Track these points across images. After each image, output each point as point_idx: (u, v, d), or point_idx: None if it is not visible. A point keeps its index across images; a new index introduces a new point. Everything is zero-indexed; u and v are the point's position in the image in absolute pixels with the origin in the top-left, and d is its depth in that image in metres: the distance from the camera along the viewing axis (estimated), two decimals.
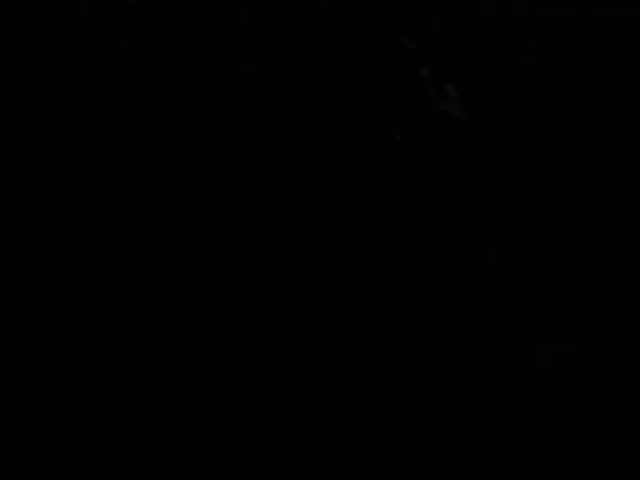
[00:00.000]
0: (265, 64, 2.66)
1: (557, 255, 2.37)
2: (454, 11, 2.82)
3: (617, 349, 2.21)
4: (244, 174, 2.54)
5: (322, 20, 2.73)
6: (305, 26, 2.71)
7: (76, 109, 2.57)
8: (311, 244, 2.43)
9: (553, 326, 2.24)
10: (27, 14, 2.64)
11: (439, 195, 2.51)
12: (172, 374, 2.26)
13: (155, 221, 2.45)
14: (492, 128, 2.62)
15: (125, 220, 2.44)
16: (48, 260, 2.38)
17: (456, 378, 2.22)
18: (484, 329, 2.26)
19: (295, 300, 2.36)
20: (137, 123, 2.57)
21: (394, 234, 2.45)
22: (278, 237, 2.44)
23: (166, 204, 2.48)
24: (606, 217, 2.45)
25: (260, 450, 2.17)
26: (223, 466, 2.15)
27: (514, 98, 2.71)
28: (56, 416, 2.19)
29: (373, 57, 2.69)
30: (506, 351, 2.22)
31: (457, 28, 2.82)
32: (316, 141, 2.58)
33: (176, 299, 2.36)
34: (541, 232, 2.43)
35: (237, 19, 2.70)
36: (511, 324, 2.26)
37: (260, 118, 2.61)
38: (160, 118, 2.58)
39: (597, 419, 2.11)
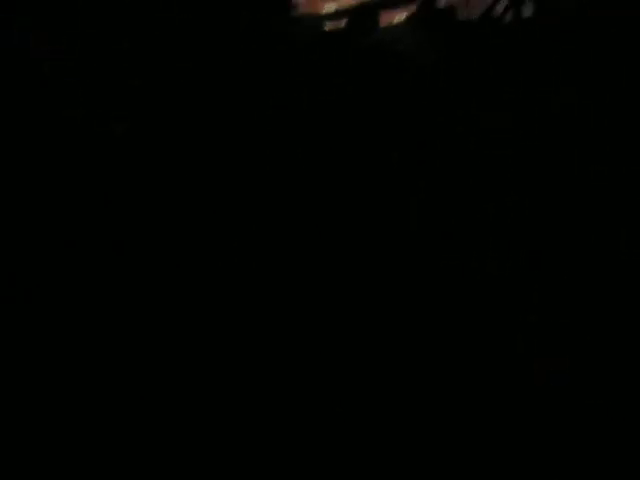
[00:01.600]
0: (264, 64, 2.65)
1: (555, 271, 2.38)
2: (454, 11, 2.81)
3: (615, 366, 2.24)
4: (244, 175, 2.54)
5: (322, 25, 2.71)
6: (305, 29, 2.70)
7: (76, 108, 2.57)
8: (307, 257, 2.44)
9: (551, 343, 2.27)
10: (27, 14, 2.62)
11: (436, 207, 2.51)
12: (171, 374, 2.28)
13: (155, 220, 2.46)
14: (490, 135, 2.63)
15: (125, 220, 2.45)
16: (48, 260, 2.39)
17: (453, 394, 2.24)
18: (481, 345, 2.28)
19: (293, 305, 2.37)
20: (137, 122, 2.57)
21: (391, 246, 2.46)
22: (276, 245, 2.45)
23: (166, 203, 2.49)
24: (606, 231, 2.46)
25: (259, 450, 2.19)
26: (223, 466, 2.17)
27: (514, 99, 2.72)
28: (56, 415, 2.21)
29: (371, 66, 2.68)
30: (504, 367, 2.24)
31: (457, 28, 2.82)
32: (313, 151, 2.58)
33: (176, 299, 2.37)
34: (539, 247, 2.44)
35: (237, 19, 2.69)
36: (509, 340, 2.28)
37: (260, 119, 2.61)
38: (160, 118, 2.58)
39: (595, 436, 2.15)
